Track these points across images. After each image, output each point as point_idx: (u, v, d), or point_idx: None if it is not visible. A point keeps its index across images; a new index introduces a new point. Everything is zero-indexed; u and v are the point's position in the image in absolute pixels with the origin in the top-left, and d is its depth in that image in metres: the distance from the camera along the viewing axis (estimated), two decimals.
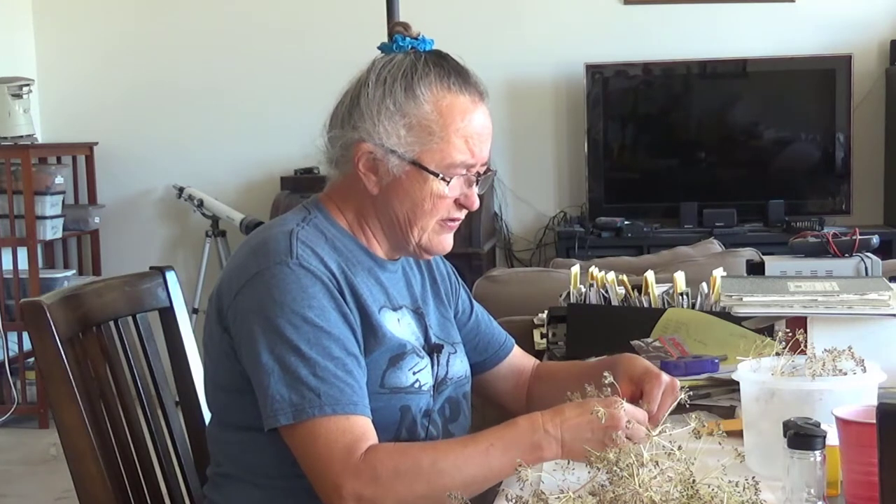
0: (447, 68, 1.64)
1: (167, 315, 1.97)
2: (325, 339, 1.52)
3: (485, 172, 1.68)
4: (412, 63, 1.63)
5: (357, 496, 1.45)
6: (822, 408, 1.39)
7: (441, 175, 1.62)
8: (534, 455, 1.46)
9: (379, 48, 1.69)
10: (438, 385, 1.70)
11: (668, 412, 1.55)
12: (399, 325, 1.67)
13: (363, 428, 1.50)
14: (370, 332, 1.60)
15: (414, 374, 1.64)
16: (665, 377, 1.61)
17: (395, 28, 1.69)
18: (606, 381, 1.50)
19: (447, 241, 1.70)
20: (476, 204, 1.68)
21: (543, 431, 1.47)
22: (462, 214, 1.69)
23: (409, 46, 1.66)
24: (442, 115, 1.61)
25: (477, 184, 1.67)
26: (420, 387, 1.64)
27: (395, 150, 1.61)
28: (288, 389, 1.50)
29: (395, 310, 1.68)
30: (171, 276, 1.98)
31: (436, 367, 1.70)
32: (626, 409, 1.46)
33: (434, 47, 1.68)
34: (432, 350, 1.70)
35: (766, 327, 2.01)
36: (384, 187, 1.64)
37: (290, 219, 1.67)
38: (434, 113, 1.61)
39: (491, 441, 1.49)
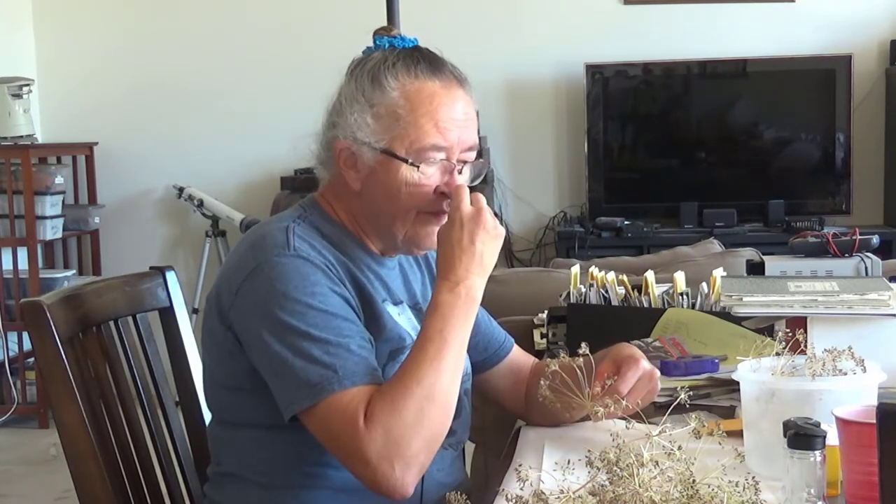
0: (417, 57, 1.64)
1: (167, 315, 1.97)
2: (332, 319, 1.52)
3: (477, 158, 1.67)
4: (383, 57, 1.64)
5: (384, 456, 1.45)
6: (822, 408, 1.39)
7: (411, 160, 1.61)
8: (470, 300, 1.55)
9: (363, 52, 1.70)
10: None
11: (668, 413, 1.55)
12: (400, 320, 1.68)
13: (365, 392, 1.49)
14: (373, 321, 1.61)
15: None
16: (645, 364, 1.64)
17: (378, 32, 1.70)
18: (581, 352, 1.59)
19: (435, 235, 1.68)
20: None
21: (455, 281, 1.55)
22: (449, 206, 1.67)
23: (388, 44, 1.67)
24: (409, 100, 1.61)
25: (460, 172, 1.65)
26: None
27: (367, 140, 1.62)
28: (304, 372, 1.49)
29: (395, 304, 1.69)
30: (171, 276, 1.98)
31: None
32: None
33: (417, 45, 1.68)
34: None
35: (766, 327, 2.01)
36: (364, 181, 1.64)
37: (285, 216, 1.67)
38: (401, 99, 1.61)
39: (439, 328, 1.53)
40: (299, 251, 1.57)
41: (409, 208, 1.63)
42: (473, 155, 1.67)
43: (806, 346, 1.57)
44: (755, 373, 1.53)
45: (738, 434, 1.52)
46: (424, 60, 1.64)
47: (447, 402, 1.51)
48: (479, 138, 1.71)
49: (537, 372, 1.90)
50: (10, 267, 5.12)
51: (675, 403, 1.45)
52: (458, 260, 1.56)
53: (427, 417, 1.47)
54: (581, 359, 1.61)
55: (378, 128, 1.61)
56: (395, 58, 1.64)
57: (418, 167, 1.61)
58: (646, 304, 2.29)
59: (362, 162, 1.63)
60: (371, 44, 1.70)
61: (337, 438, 1.48)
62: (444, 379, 1.50)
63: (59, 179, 5.28)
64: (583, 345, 1.59)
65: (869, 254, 2.52)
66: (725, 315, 2.06)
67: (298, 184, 5.11)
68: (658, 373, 1.67)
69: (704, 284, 2.30)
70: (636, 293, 2.32)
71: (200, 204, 5.33)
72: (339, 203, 1.70)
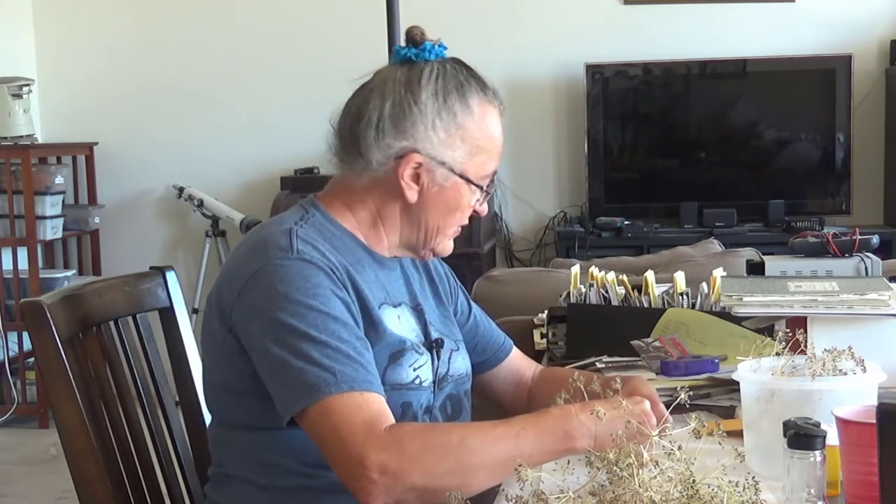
0: (480, 79, 1.67)
1: (167, 315, 1.97)
2: (333, 323, 1.52)
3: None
4: (454, 73, 1.64)
5: (382, 467, 1.41)
6: (822, 408, 1.39)
7: (482, 186, 1.66)
8: (565, 444, 1.46)
9: (411, 55, 1.65)
10: (440, 382, 1.69)
11: (667, 413, 1.55)
12: (399, 322, 1.67)
13: (380, 404, 1.49)
14: (371, 326, 1.60)
15: (414, 370, 1.64)
16: (662, 410, 1.56)
17: (412, 33, 1.67)
18: (614, 387, 1.52)
19: (451, 245, 1.74)
20: (486, 210, 1.71)
21: (578, 422, 1.46)
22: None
23: (435, 56, 1.65)
24: (486, 128, 1.64)
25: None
26: (420, 383, 1.64)
27: (447, 161, 1.62)
28: (302, 373, 1.47)
29: (394, 306, 1.69)
30: (171, 276, 1.98)
31: (436, 363, 1.70)
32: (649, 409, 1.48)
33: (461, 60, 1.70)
34: (432, 346, 1.70)
35: (766, 327, 2.01)
36: (423, 196, 1.64)
37: (287, 218, 1.67)
38: (482, 123, 1.64)
39: (523, 425, 1.48)
40: (302, 254, 1.56)
41: (457, 224, 1.69)
42: None
43: (806, 346, 1.57)
44: (755, 373, 1.53)
45: (738, 434, 1.52)
46: (480, 81, 1.66)
47: (470, 477, 1.43)
48: None
49: (546, 378, 1.89)
50: (10, 267, 5.13)
51: (675, 403, 1.45)
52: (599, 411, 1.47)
53: (442, 468, 1.42)
54: (598, 379, 1.59)
55: (463, 151, 1.63)
56: (468, 78, 1.64)
57: (487, 193, 1.67)
58: (646, 304, 2.29)
59: (432, 179, 1.63)
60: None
61: (340, 436, 1.44)
62: (486, 455, 1.44)
63: (59, 179, 5.29)
64: (617, 378, 1.54)
65: (869, 254, 2.52)
66: (725, 315, 2.06)
67: (298, 184, 5.12)
68: (670, 420, 1.54)
69: (704, 284, 2.30)
70: (636, 293, 2.32)
71: (200, 204, 5.33)
72: (361, 204, 1.68)
